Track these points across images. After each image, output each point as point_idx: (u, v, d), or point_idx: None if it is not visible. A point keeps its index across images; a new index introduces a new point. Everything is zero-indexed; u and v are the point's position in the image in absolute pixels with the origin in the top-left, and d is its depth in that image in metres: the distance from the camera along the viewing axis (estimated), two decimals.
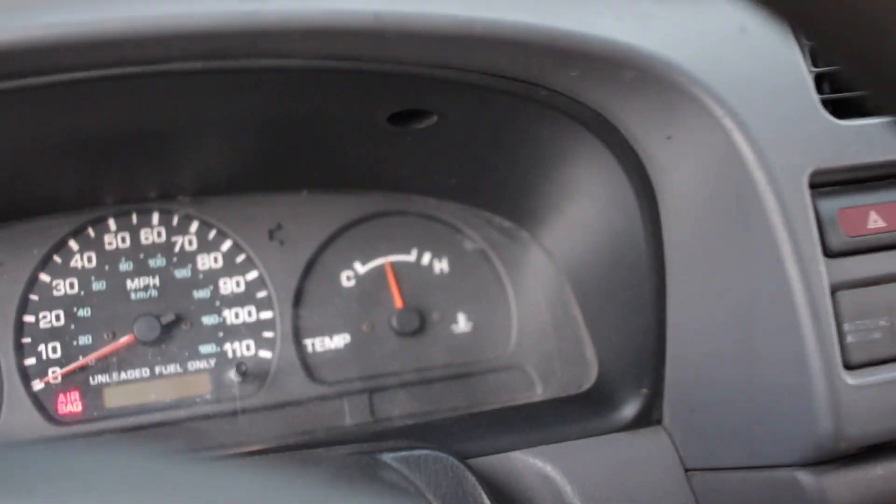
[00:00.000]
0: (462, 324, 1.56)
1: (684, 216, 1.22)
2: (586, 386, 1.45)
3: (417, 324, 1.52)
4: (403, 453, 1.15)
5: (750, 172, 1.11)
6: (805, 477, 1.13)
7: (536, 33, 1.07)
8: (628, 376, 1.36)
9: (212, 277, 1.50)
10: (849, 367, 1.08)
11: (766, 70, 1.17)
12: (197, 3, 1.00)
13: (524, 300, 1.56)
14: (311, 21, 1.02)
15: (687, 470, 1.30)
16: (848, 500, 1.13)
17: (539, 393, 1.53)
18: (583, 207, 1.37)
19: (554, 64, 1.12)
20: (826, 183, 1.13)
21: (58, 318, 1.46)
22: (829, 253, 1.10)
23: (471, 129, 1.30)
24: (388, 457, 1.14)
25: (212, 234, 1.51)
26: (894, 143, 1.15)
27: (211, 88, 1.16)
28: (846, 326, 1.09)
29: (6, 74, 1.05)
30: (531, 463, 1.30)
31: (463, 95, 1.20)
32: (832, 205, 1.12)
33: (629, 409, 1.35)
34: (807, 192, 1.11)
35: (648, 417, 1.34)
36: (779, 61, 1.18)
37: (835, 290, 1.09)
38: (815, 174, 1.12)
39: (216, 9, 1.00)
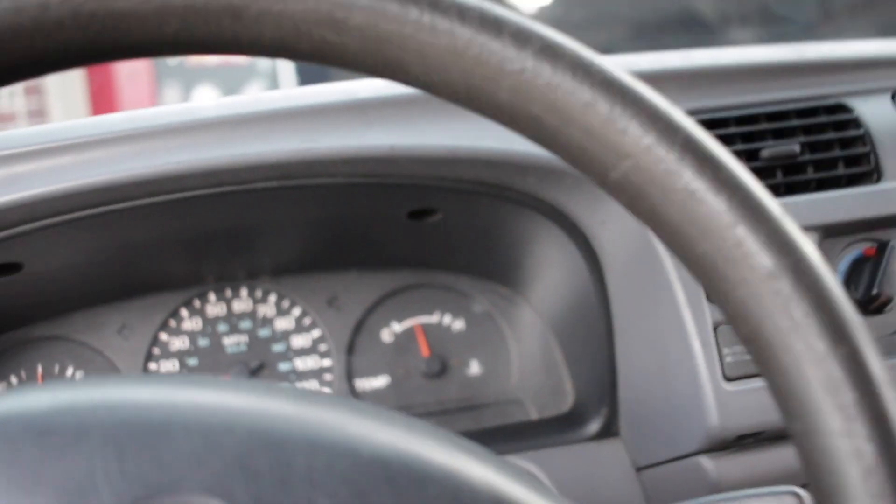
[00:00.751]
0: (474, 368, 1.95)
1: (621, 280, 1.65)
2: (565, 409, 1.88)
3: (440, 368, 1.94)
4: None
5: (657, 250, 1.57)
6: (706, 461, 1.56)
7: (499, 154, 1.55)
8: (594, 400, 1.77)
9: (286, 335, 1.96)
10: (728, 378, 1.50)
11: None
12: (274, 143, 1.51)
13: (521, 348, 1.99)
14: (347, 152, 1.52)
15: (638, 469, 1.71)
16: (738, 478, 1.54)
17: (531, 416, 1.97)
18: (554, 276, 1.81)
19: (515, 173, 1.60)
20: None
21: (174, 366, 1.94)
22: (710, 300, 1.55)
23: (467, 222, 1.73)
24: None
25: (285, 303, 1.98)
26: None
27: (281, 199, 1.65)
28: (725, 350, 1.52)
29: (146, 193, 1.56)
30: (521, 464, 1.74)
31: (458, 197, 1.58)
32: None
33: (594, 426, 1.73)
34: None
35: (609, 430, 1.70)
36: None
37: (716, 326, 1.52)
38: None
39: (286, 147, 1.51)
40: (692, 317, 1.52)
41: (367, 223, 1.76)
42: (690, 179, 0.52)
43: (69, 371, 1.88)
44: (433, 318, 2.00)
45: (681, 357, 1.54)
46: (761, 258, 0.52)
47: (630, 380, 1.68)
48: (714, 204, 0.52)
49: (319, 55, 0.54)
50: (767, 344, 0.51)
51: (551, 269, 1.80)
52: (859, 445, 0.49)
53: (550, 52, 0.53)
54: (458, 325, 2.01)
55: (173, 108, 1.44)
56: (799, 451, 0.52)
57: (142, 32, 0.52)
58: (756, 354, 0.53)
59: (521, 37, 0.54)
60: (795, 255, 0.51)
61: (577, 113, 0.53)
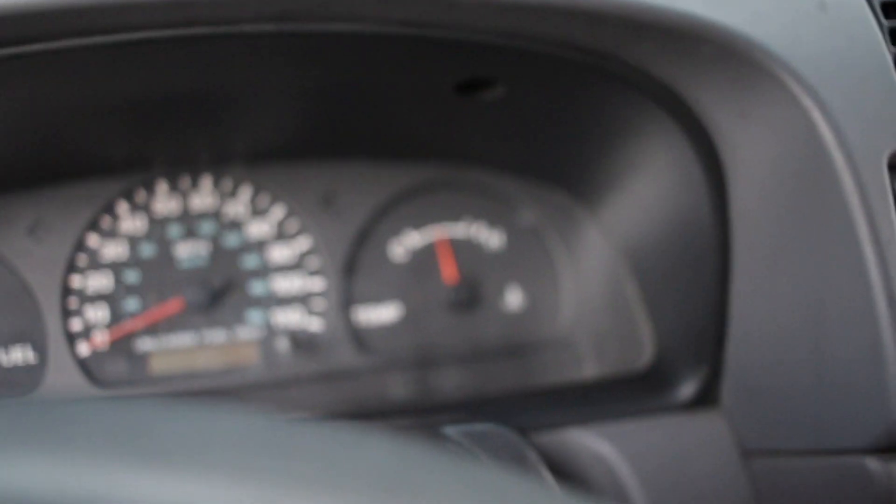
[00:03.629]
0: (514, 300, 1.54)
1: (755, 196, 1.20)
2: (641, 365, 1.43)
3: (470, 298, 1.50)
4: (465, 427, 1.14)
5: (828, 152, 1.08)
6: (873, 463, 1.11)
7: (616, 5, 1.05)
8: (686, 356, 1.35)
9: (262, 245, 1.49)
10: None
11: (845, 48, 1.14)
12: None
13: (578, 278, 1.54)
14: None
15: (745, 453, 1.29)
16: None
17: (591, 371, 1.51)
18: (646, 185, 1.35)
19: (630, 37, 1.10)
20: None
21: (105, 282, 1.44)
22: None
23: (537, 101, 1.27)
24: (450, 430, 1.12)
25: (264, 200, 1.49)
26: None
27: (277, 53, 1.14)
28: None
29: (70, 32, 1.03)
30: (586, 440, 1.28)
31: (532, 66, 1.18)
32: None
33: (686, 390, 1.34)
34: (886, 174, 1.09)
35: (706, 398, 1.32)
36: (858, 40, 1.15)
37: None
38: (894, 156, 1.10)
39: None
40: (876, 260, 1.08)
41: (392, 96, 1.29)
42: None
43: None
44: (462, 231, 1.56)
45: (847, 314, 1.12)
46: None
47: (748, 334, 1.27)
48: None
49: None
50: None
51: (644, 176, 1.33)
52: None
53: None
54: (496, 241, 1.57)
55: None
56: None
57: None
58: None
59: None
60: None
61: None
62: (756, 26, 1.10)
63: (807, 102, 1.09)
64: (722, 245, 1.25)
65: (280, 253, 1.49)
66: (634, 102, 1.21)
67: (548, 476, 1.13)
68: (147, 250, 1.46)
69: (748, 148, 1.18)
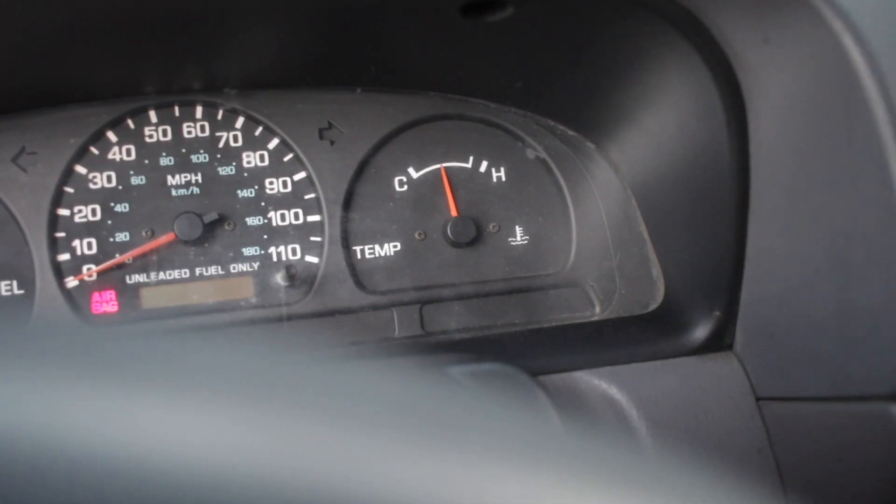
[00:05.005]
0: (519, 236, 1.47)
1: (777, 127, 1.12)
2: (652, 306, 1.37)
3: (473, 234, 1.44)
4: (471, 366, 1.08)
5: (859, 80, 1.01)
6: None
7: None
8: (699, 298, 1.28)
9: (257, 176, 1.42)
10: None
11: None
12: None
13: (585, 214, 1.47)
14: None
15: (759, 398, 1.23)
16: None
17: (598, 311, 1.45)
18: (659, 116, 1.27)
19: None
20: None
21: (94, 212, 1.38)
22: None
23: (547, 24, 1.19)
24: (455, 370, 1.06)
25: (258, 130, 1.42)
26: None
27: None
28: None
29: None
30: (595, 384, 1.22)
31: None
32: None
33: (699, 333, 1.27)
34: None
35: (719, 342, 1.26)
36: None
37: None
38: None
39: None
40: None
41: (394, 17, 1.21)
42: None
43: None
44: (466, 164, 1.50)
45: (876, 254, 1.06)
46: None
47: (766, 274, 1.20)
48: None
49: None
50: None
51: (658, 106, 1.26)
52: None
53: None
54: (500, 175, 1.51)
55: None
56: None
57: None
58: None
59: None
60: None
61: None
62: None
63: (837, 26, 1.01)
64: (740, 180, 1.18)
65: (275, 185, 1.42)
66: (650, 27, 1.13)
67: (557, 417, 1.07)
68: (137, 180, 1.39)
69: (771, 75, 1.10)
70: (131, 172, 1.39)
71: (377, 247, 1.43)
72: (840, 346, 1.09)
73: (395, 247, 1.44)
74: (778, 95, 1.11)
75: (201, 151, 1.41)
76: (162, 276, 1.38)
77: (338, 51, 1.32)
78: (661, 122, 1.27)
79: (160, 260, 1.38)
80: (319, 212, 1.42)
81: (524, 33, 1.21)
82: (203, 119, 1.41)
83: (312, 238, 1.42)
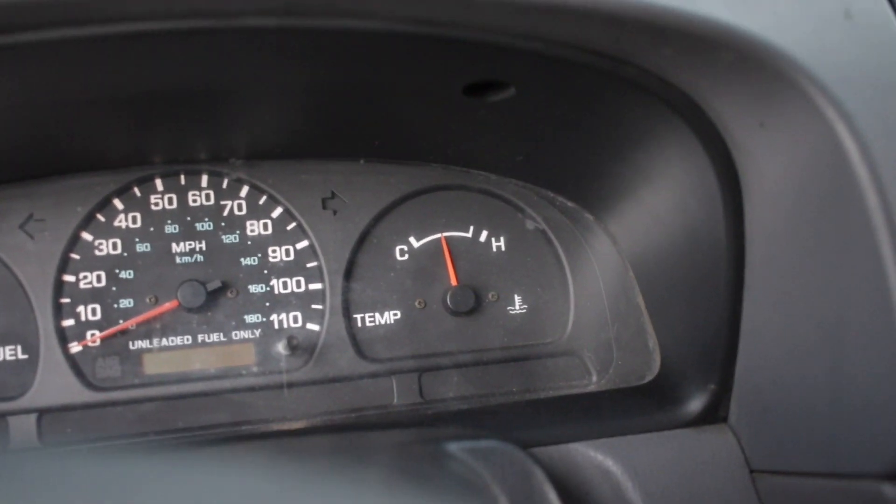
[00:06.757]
0: (518, 305, 1.49)
1: (772, 208, 1.15)
2: (648, 378, 1.39)
3: (472, 303, 1.46)
4: (469, 443, 1.09)
5: (851, 166, 1.03)
6: (890, 490, 1.07)
7: (636, 7, 1.00)
8: (694, 370, 1.30)
9: (261, 245, 1.44)
10: None
11: (871, 58, 1.09)
12: None
13: (583, 285, 1.49)
14: None
15: (753, 471, 1.25)
16: None
17: (595, 381, 1.47)
18: (658, 192, 1.30)
19: (648, 41, 1.05)
20: None
21: (99, 279, 1.40)
22: None
23: (549, 105, 1.23)
24: (453, 447, 1.07)
25: (262, 199, 1.44)
26: None
27: (279, 49, 1.09)
28: None
29: (67, 21, 0.98)
30: (591, 456, 1.24)
31: (546, 68, 1.13)
32: None
33: (694, 405, 1.29)
34: None
35: (714, 414, 1.28)
36: (884, 50, 1.10)
37: None
38: None
39: None
40: None
41: (399, 96, 1.24)
42: None
43: None
44: (466, 234, 1.53)
45: (868, 335, 1.07)
46: None
47: (760, 350, 1.23)
48: None
49: None
50: None
51: (656, 183, 1.29)
52: None
53: None
54: (500, 244, 1.53)
55: None
56: None
57: None
58: None
59: None
60: None
61: None
62: (779, 33, 1.05)
63: (830, 114, 1.04)
64: (735, 258, 1.20)
65: (278, 254, 1.44)
66: (650, 109, 1.17)
67: (553, 495, 1.09)
68: (142, 247, 1.41)
69: (766, 159, 1.13)
70: (137, 240, 1.41)
71: (378, 315, 1.46)
72: (832, 423, 1.11)
73: (395, 315, 1.46)
74: (773, 178, 1.14)
75: (206, 220, 1.43)
76: (165, 342, 1.40)
77: (342, 125, 1.35)
78: (659, 198, 1.30)
79: (163, 327, 1.40)
80: (321, 280, 1.44)
81: (525, 111, 1.24)
82: (208, 188, 1.43)
83: (314, 306, 1.44)
